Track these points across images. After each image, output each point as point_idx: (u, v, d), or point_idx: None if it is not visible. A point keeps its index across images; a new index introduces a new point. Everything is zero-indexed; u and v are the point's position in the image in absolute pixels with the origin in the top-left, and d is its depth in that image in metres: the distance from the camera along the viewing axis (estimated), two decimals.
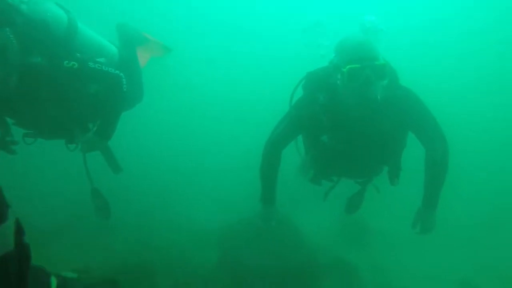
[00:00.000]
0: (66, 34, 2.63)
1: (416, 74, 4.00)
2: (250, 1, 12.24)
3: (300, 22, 5.92)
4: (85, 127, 2.86)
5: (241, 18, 11.89)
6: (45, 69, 2.35)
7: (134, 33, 3.58)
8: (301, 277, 3.22)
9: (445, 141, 2.45)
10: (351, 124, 2.46)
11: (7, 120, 2.66)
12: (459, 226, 4.00)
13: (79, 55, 2.57)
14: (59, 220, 3.73)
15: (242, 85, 9.54)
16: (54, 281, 1.28)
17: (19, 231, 0.89)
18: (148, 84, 3.73)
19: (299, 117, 2.59)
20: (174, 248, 3.49)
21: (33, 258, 0.99)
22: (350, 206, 3.11)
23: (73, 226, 3.70)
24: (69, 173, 4.09)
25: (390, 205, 4.39)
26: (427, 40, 10.53)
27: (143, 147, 5.87)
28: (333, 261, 3.52)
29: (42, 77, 2.37)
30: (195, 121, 7.50)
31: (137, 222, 3.93)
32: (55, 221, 3.70)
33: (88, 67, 2.55)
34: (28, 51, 2.31)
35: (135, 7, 10.01)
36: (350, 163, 2.71)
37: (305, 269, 3.32)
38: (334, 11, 9.87)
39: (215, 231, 3.81)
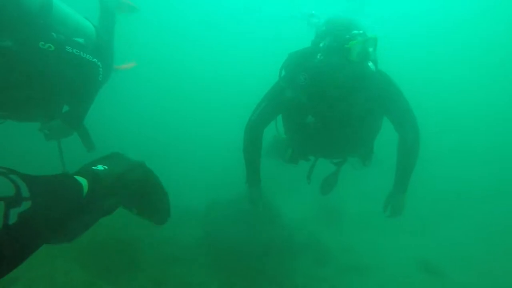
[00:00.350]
0: (40, 11, 2.41)
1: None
2: None
3: None
4: (54, 113, 2.69)
5: None
6: (16, 53, 2.17)
7: None
8: (278, 254, 3.45)
9: (417, 127, 2.54)
10: (332, 104, 2.49)
11: None
12: (422, 211, 4.35)
13: (55, 35, 2.39)
14: None
15: (228, 67, 9.49)
16: (83, 180, 1.15)
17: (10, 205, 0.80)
18: (135, 70, 3.78)
19: (278, 98, 2.62)
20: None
21: None
22: (325, 186, 3.22)
23: None
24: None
25: (362, 191, 4.69)
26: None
27: (130, 128, 5.89)
28: (308, 241, 3.78)
29: (12, 61, 2.18)
30: (182, 102, 7.51)
31: None
32: None
33: (65, 52, 2.39)
34: None
35: None
36: (328, 143, 2.77)
37: (282, 248, 3.56)
38: None
39: (200, 210, 3.98)
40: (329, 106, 2.52)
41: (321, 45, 2.41)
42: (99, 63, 2.62)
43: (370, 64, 2.26)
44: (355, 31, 2.27)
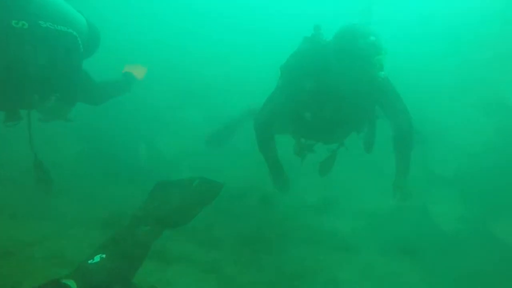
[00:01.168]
0: None
1: None
2: None
3: None
4: (44, 94, 2.63)
5: None
6: None
7: None
8: (269, 238, 3.69)
9: (408, 114, 2.76)
10: (335, 106, 2.67)
11: None
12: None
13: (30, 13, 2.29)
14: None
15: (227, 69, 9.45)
16: (72, 283, 1.19)
17: None
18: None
19: (284, 98, 2.79)
20: None
21: None
22: (323, 168, 3.42)
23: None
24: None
25: (358, 183, 4.90)
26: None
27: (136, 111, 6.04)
28: (299, 226, 4.03)
29: None
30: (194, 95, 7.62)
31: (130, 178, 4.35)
32: None
33: (40, 27, 2.28)
34: None
35: None
36: (323, 132, 3.00)
37: (274, 232, 3.81)
38: None
39: None
40: (332, 107, 2.71)
41: (334, 51, 2.51)
42: (75, 33, 2.53)
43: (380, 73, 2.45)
44: (377, 43, 2.42)
